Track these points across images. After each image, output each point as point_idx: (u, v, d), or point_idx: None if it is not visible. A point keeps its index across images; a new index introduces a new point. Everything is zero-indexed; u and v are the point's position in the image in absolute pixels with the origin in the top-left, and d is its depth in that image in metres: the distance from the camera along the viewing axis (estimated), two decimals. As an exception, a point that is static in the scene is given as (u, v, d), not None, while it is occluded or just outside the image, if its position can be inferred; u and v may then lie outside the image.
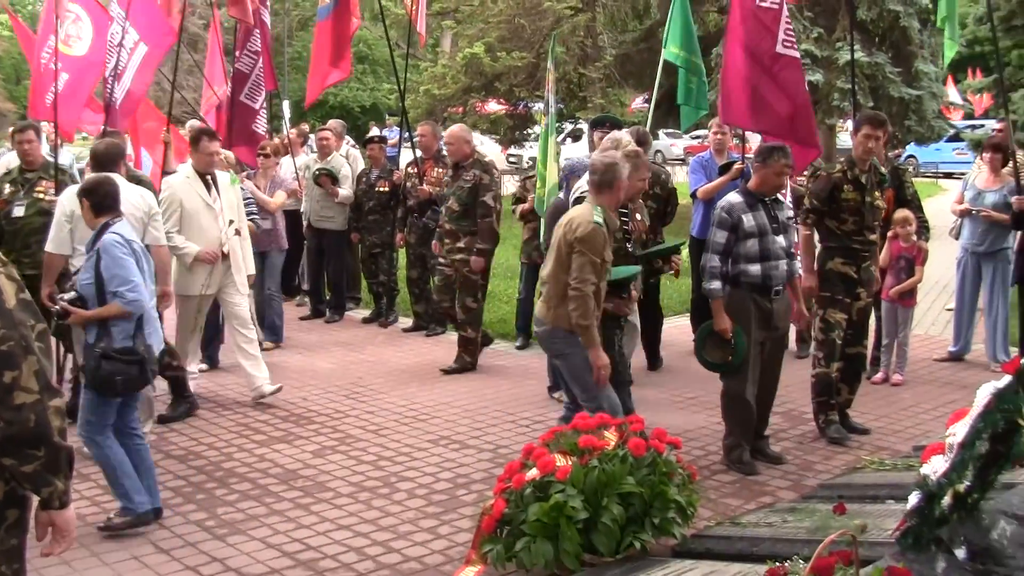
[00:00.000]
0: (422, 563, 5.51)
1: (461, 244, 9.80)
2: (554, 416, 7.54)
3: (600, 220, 6.31)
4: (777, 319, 7.06)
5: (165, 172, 9.77)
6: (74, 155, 15.39)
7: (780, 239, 6.97)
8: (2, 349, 2.95)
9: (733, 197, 7.12)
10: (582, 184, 7.32)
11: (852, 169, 7.49)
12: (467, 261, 9.74)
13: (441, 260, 10.02)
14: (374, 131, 21.07)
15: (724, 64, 9.24)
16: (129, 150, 9.92)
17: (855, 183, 7.45)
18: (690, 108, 10.89)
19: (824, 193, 7.49)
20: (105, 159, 7.30)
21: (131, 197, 7.21)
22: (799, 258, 7.58)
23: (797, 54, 8.88)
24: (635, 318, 8.13)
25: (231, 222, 8.71)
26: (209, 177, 8.61)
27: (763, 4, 8.71)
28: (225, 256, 8.63)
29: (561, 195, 8.35)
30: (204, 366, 9.60)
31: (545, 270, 6.64)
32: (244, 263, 8.93)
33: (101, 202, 6.04)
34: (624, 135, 7.65)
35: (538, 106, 28.53)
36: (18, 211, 8.23)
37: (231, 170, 9.76)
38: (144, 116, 11.34)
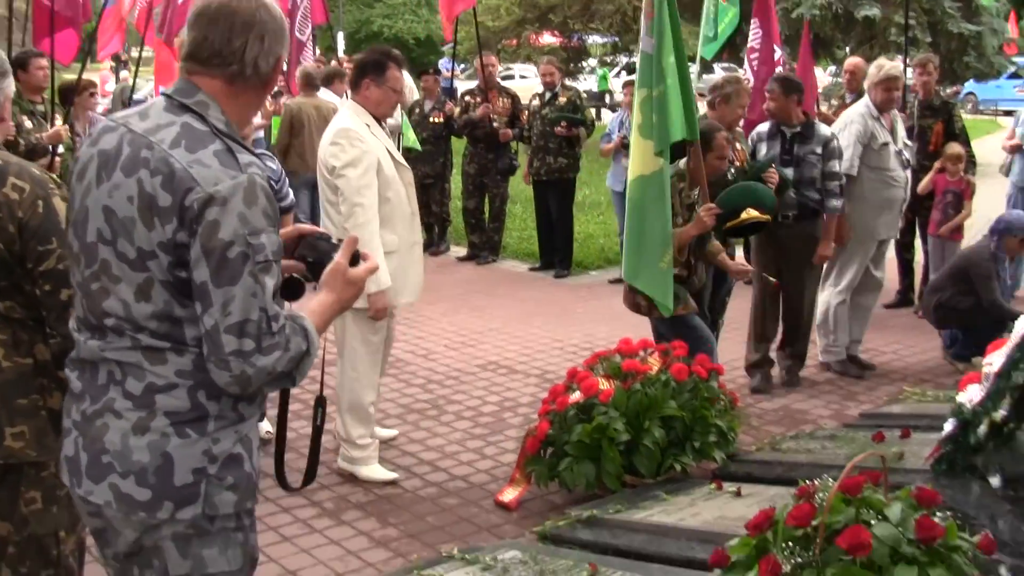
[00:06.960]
0: (467, 482, 5.68)
1: None
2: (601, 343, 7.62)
3: None
4: (789, 251, 7.12)
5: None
6: None
7: (788, 171, 6.93)
8: (59, 268, 3.08)
9: (761, 127, 7.24)
10: None
11: None
12: None
13: None
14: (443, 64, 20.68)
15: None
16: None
17: None
18: (713, 42, 10.78)
19: None
20: None
21: None
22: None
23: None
24: None
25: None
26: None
27: None
28: None
29: None
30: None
31: None
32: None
33: None
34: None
35: (592, 38, 28.36)
36: None
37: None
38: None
